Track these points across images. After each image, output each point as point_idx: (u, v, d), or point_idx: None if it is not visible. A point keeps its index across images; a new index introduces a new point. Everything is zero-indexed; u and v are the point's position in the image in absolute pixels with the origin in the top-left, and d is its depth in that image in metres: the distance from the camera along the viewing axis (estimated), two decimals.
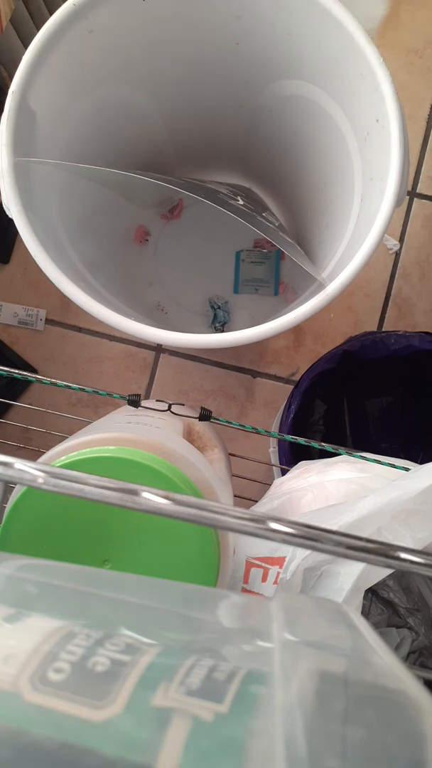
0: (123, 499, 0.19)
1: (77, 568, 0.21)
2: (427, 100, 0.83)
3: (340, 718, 0.11)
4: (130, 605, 0.17)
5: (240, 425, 0.43)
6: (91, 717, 0.11)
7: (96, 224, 0.63)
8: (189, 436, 0.42)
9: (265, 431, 0.43)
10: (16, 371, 0.40)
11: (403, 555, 0.19)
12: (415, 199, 0.83)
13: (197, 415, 0.41)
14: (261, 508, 0.42)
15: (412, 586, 0.40)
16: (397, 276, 0.83)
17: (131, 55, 0.48)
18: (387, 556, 0.18)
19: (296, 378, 0.83)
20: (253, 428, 0.43)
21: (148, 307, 0.81)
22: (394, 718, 0.11)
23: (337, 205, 0.54)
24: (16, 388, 0.84)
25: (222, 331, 0.73)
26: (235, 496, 0.45)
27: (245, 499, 0.62)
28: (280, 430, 0.68)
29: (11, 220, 0.42)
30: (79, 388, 0.42)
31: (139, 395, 0.40)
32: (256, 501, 0.47)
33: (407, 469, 0.38)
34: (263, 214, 0.51)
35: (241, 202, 0.49)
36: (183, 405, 0.46)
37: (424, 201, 0.83)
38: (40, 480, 0.19)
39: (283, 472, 0.52)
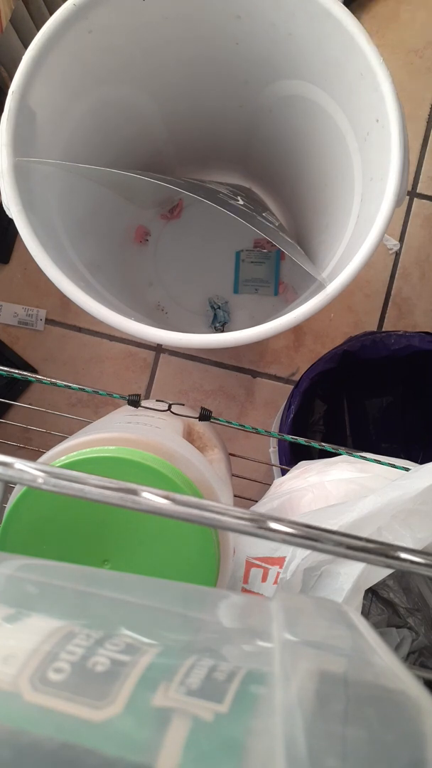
0: (123, 499, 0.19)
1: (77, 568, 0.21)
2: (427, 100, 0.83)
3: (340, 718, 0.11)
4: (130, 605, 0.17)
5: (240, 425, 0.43)
6: (91, 717, 0.11)
7: (96, 224, 0.63)
8: (189, 436, 0.42)
9: (265, 431, 0.43)
10: (16, 371, 0.40)
11: (403, 555, 0.18)
12: (415, 199, 0.83)
13: (197, 415, 0.41)
14: (261, 508, 0.42)
15: (412, 586, 0.40)
16: (397, 276, 0.83)
17: (131, 55, 0.48)
18: (387, 556, 0.18)
19: (296, 378, 0.83)
20: (253, 428, 0.43)
21: (148, 307, 0.81)
22: (394, 718, 0.11)
23: (337, 205, 0.54)
24: (16, 388, 0.84)
25: (222, 331, 0.73)
26: (235, 496, 0.45)
27: (245, 499, 0.62)
28: (280, 430, 0.68)
29: (11, 220, 0.42)
30: (79, 388, 0.42)
31: (139, 395, 0.40)
32: (256, 501, 0.47)
33: (407, 469, 0.38)
34: (263, 214, 0.51)
35: (241, 202, 0.49)
36: (183, 405, 0.46)
37: (424, 201, 0.83)
38: (40, 480, 0.19)
39: (283, 472, 0.52)
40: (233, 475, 0.50)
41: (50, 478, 0.19)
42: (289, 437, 0.44)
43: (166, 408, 0.41)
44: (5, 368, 0.40)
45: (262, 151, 0.67)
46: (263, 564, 0.33)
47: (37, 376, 0.41)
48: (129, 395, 0.40)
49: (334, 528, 0.27)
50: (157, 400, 0.42)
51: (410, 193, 0.83)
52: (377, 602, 0.39)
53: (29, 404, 0.84)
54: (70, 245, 0.51)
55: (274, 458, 0.72)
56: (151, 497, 0.19)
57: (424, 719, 0.11)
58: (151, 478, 0.27)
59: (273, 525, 0.19)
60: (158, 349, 0.85)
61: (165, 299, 0.81)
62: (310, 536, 0.19)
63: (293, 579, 0.31)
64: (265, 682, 0.13)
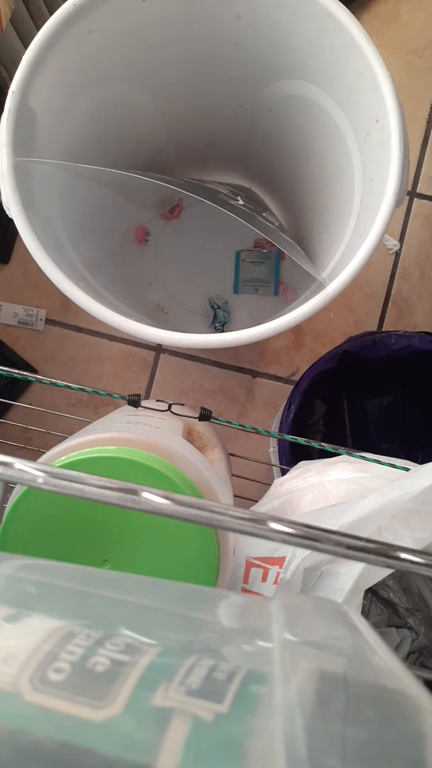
0: (123, 499, 0.19)
1: (77, 568, 0.21)
2: (427, 100, 0.83)
3: (340, 718, 0.11)
4: (130, 605, 0.17)
5: (240, 425, 0.43)
6: (91, 717, 0.11)
7: (96, 224, 0.63)
8: (189, 436, 0.42)
9: (265, 431, 0.43)
10: (16, 371, 0.40)
11: (403, 555, 0.18)
12: (415, 199, 0.83)
13: (197, 415, 0.41)
14: (261, 508, 0.42)
15: (412, 586, 0.40)
16: (397, 276, 0.83)
17: (131, 55, 0.48)
18: (387, 556, 0.18)
19: (296, 378, 0.83)
20: (253, 428, 0.43)
21: (148, 307, 0.81)
22: (394, 718, 0.11)
23: (337, 205, 0.54)
24: (16, 388, 0.84)
25: (222, 331, 0.73)
26: (235, 496, 0.45)
27: (245, 499, 0.62)
28: (280, 430, 0.68)
29: (11, 220, 0.42)
30: (79, 388, 0.42)
31: (139, 395, 0.40)
32: (256, 501, 0.47)
33: (407, 469, 0.38)
34: (263, 214, 0.51)
35: (241, 202, 0.49)
36: (183, 405, 0.46)
37: (424, 201, 0.83)
38: (40, 480, 0.19)
39: (283, 472, 0.52)
40: (233, 475, 0.50)
41: (50, 478, 0.19)
42: (289, 437, 0.44)
43: (166, 408, 0.41)
44: (5, 368, 0.40)
45: (262, 150, 0.67)
46: (263, 564, 0.33)
47: (37, 376, 0.41)
48: (129, 395, 0.40)
49: (334, 528, 0.27)
50: (157, 400, 0.42)
51: (410, 193, 0.83)
52: (377, 602, 0.39)
53: (29, 404, 0.84)
54: (70, 245, 0.51)
55: (274, 458, 0.72)
56: (151, 497, 0.19)
57: (424, 719, 0.11)
58: (151, 478, 0.27)
59: (273, 525, 0.19)
60: (158, 349, 0.85)
61: (165, 299, 0.81)
62: (310, 536, 0.19)
63: (293, 579, 0.31)
64: (265, 682, 0.13)
